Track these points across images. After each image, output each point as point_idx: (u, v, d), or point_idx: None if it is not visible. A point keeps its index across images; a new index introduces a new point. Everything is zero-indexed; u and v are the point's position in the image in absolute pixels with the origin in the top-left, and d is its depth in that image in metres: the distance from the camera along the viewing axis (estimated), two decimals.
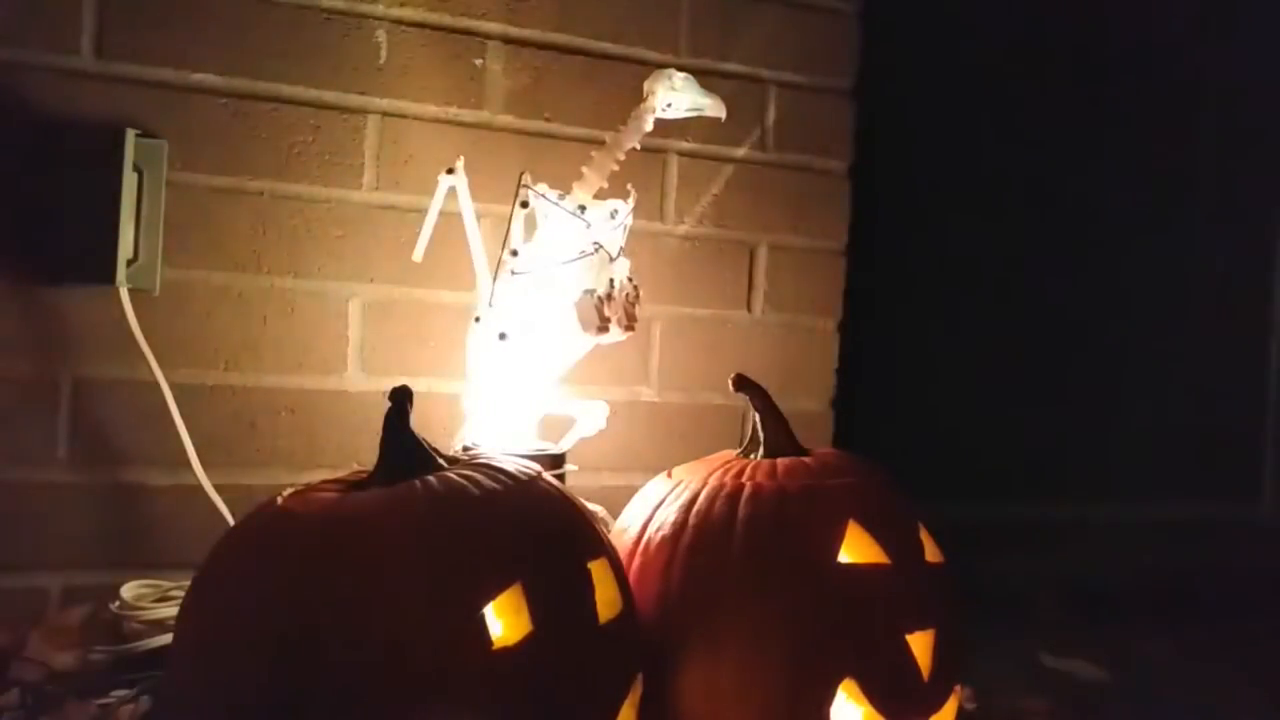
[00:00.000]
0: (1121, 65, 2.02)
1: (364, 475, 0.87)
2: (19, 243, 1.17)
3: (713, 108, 1.20)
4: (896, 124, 1.75)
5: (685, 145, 1.47)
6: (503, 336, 1.12)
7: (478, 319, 1.14)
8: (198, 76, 1.23)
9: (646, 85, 1.18)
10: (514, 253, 1.12)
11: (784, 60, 1.52)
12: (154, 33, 1.21)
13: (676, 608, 0.91)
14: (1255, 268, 2.17)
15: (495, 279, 1.13)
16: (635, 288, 1.17)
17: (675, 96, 1.18)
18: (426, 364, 1.32)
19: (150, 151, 1.20)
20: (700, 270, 1.49)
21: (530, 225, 1.16)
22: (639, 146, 1.19)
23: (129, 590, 1.13)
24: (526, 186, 1.14)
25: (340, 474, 0.91)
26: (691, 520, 0.94)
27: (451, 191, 1.17)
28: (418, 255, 1.18)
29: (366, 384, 1.31)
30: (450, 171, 1.16)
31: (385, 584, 0.73)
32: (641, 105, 1.18)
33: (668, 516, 0.95)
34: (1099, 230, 2.04)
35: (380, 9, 1.31)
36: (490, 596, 0.75)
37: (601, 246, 1.13)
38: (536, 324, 1.13)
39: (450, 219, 1.28)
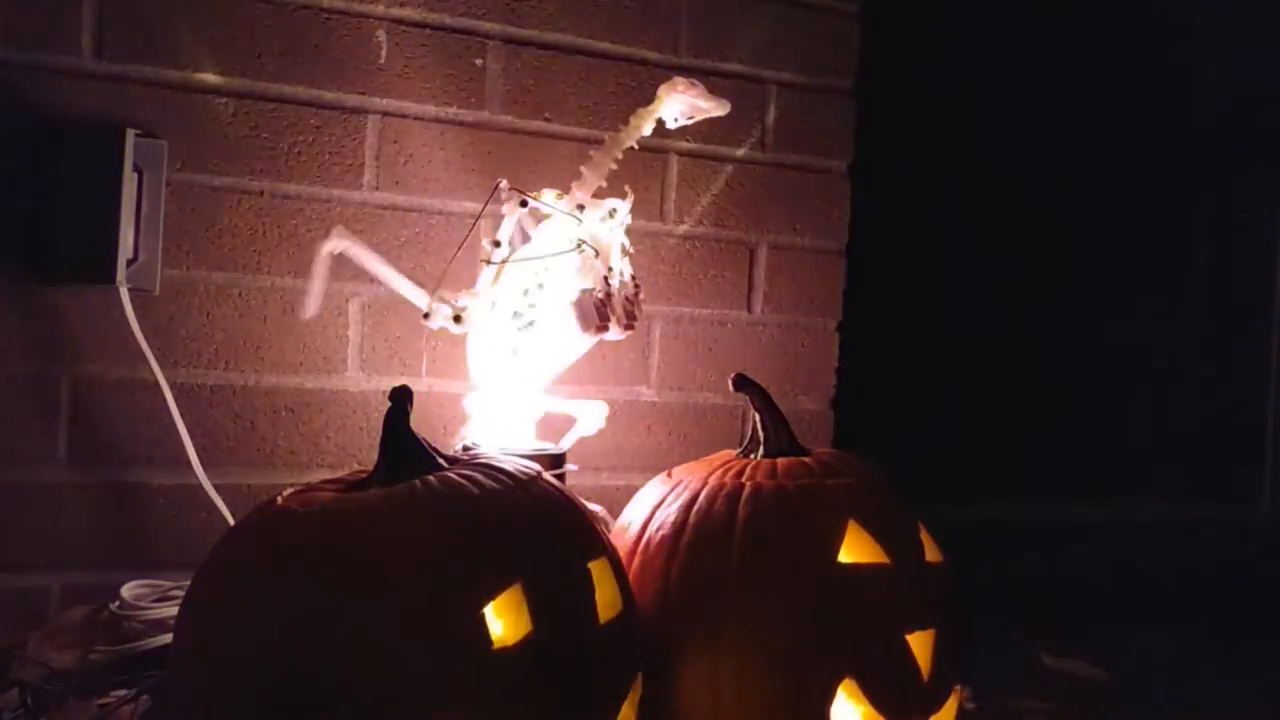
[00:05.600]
0: (1122, 63, 2.02)
1: (364, 475, 0.87)
2: (19, 243, 1.17)
3: (716, 108, 1.20)
4: (893, 121, 1.75)
5: (685, 145, 1.47)
6: (458, 320, 1.12)
7: (426, 315, 1.14)
8: (198, 76, 1.23)
9: (661, 92, 1.18)
10: (496, 243, 1.12)
11: (784, 60, 1.52)
12: (154, 32, 1.21)
13: (676, 607, 0.91)
14: (1256, 267, 2.17)
15: (447, 271, 1.14)
16: (636, 286, 1.17)
17: (679, 102, 1.17)
18: (426, 364, 1.32)
19: (150, 151, 1.20)
20: (700, 270, 1.49)
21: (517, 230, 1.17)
22: (637, 146, 1.19)
23: (129, 590, 1.13)
24: (518, 190, 1.14)
25: (340, 474, 0.91)
26: (691, 520, 0.94)
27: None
28: (311, 311, 1.24)
29: (366, 384, 1.31)
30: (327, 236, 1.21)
31: (385, 584, 0.73)
32: (646, 108, 1.17)
33: (668, 516, 0.95)
34: (1099, 228, 2.04)
35: (380, 9, 1.31)
36: (490, 596, 0.75)
37: (585, 245, 1.12)
38: (537, 322, 1.13)
39: (448, 218, 1.28)
